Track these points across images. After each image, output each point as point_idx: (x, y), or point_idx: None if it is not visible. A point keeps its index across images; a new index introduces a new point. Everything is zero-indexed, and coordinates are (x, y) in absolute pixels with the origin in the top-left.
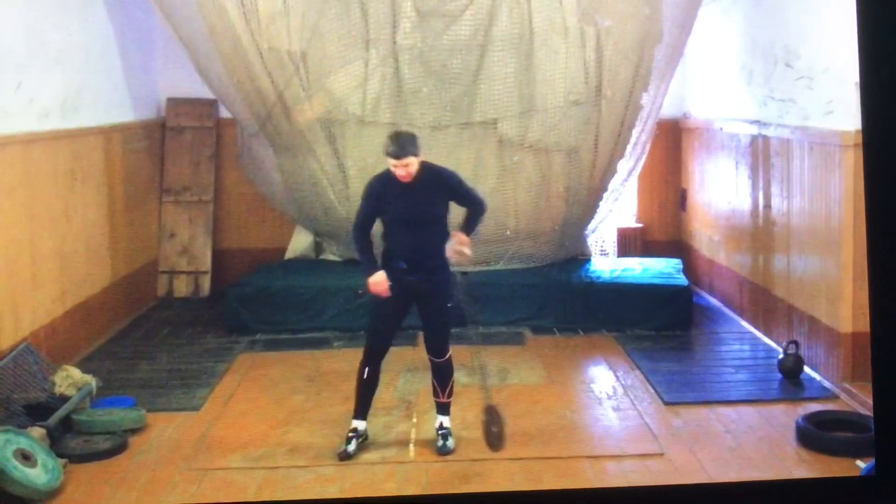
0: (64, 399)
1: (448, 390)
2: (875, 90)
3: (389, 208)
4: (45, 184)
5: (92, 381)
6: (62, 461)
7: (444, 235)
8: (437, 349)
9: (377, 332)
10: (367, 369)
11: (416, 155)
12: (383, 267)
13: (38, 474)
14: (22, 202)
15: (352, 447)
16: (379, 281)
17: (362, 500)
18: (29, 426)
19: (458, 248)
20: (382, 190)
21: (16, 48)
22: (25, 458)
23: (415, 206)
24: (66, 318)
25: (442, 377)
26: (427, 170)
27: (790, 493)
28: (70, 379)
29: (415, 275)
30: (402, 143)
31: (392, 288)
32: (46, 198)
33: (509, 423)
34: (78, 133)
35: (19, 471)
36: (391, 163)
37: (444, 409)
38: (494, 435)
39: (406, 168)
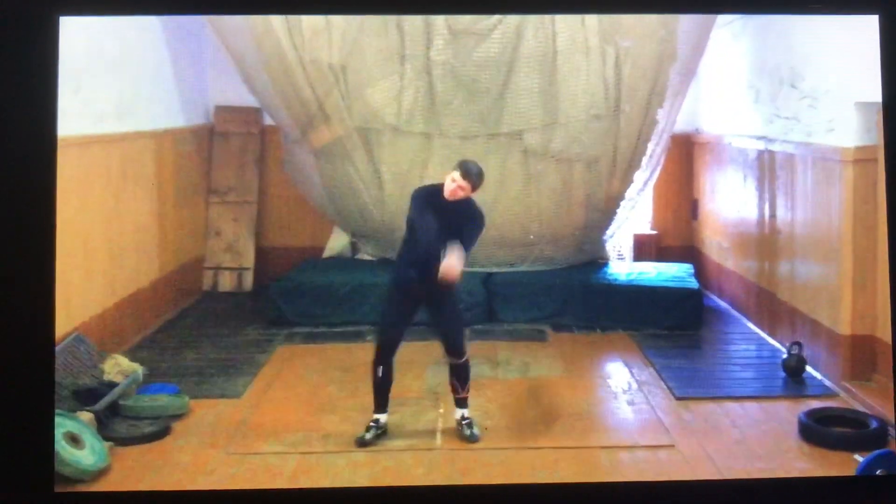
0: (112, 385)
1: (468, 386)
2: None
3: (424, 218)
4: (98, 183)
5: (139, 368)
6: (108, 444)
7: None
8: (457, 350)
9: (388, 332)
10: (380, 368)
11: (473, 185)
12: (396, 270)
13: (86, 456)
14: (77, 200)
15: (369, 435)
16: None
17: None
18: (78, 410)
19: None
20: (426, 200)
21: (74, 55)
22: (74, 440)
23: (447, 225)
24: (115, 310)
25: (462, 375)
26: (468, 201)
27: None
28: (118, 367)
29: (426, 283)
30: (471, 168)
31: (401, 291)
32: (100, 196)
33: (530, 414)
34: (131, 136)
35: (68, 452)
36: (452, 175)
37: (463, 402)
38: None
39: (461, 189)
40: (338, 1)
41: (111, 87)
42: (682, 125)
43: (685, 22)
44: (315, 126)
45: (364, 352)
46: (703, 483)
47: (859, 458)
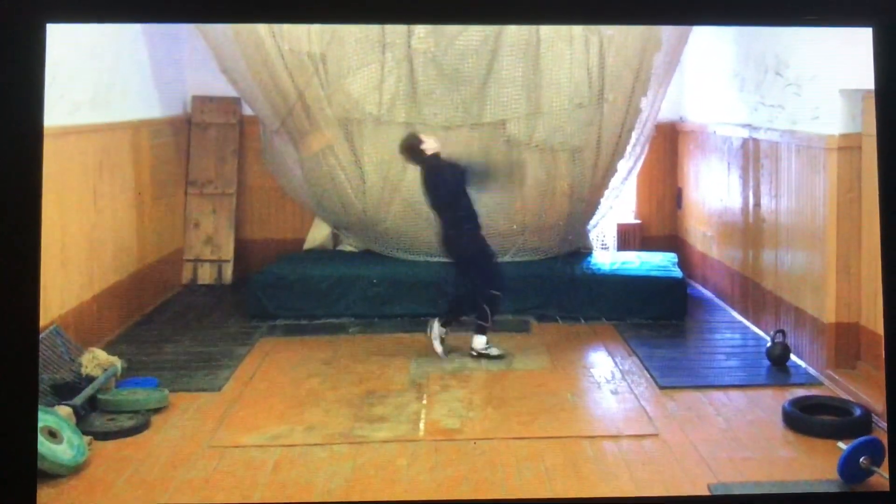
0: (90, 379)
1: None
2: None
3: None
4: (75, 174)
5: (117, 362)
6: (87, 438)
7: None
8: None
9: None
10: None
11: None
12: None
13: (64, 450)
14: (52, 192)
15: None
16: None
17: None
18: (56, 405)
19: None
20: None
21: (49, 45)
22: (52, 434)
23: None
24: (93, 303)
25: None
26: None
27: None
28: (96, 360)
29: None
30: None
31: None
32: (76, 188)
33: (514, 405)
34: (107, 127)
35: (46, 447)
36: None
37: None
38: None
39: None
40: (322, 10)
41: (86, 76)
42: (666, 113)
43: None
44: (295, 117)
45: (346, 344)
46: (693, 499)
47: (843, 445)
